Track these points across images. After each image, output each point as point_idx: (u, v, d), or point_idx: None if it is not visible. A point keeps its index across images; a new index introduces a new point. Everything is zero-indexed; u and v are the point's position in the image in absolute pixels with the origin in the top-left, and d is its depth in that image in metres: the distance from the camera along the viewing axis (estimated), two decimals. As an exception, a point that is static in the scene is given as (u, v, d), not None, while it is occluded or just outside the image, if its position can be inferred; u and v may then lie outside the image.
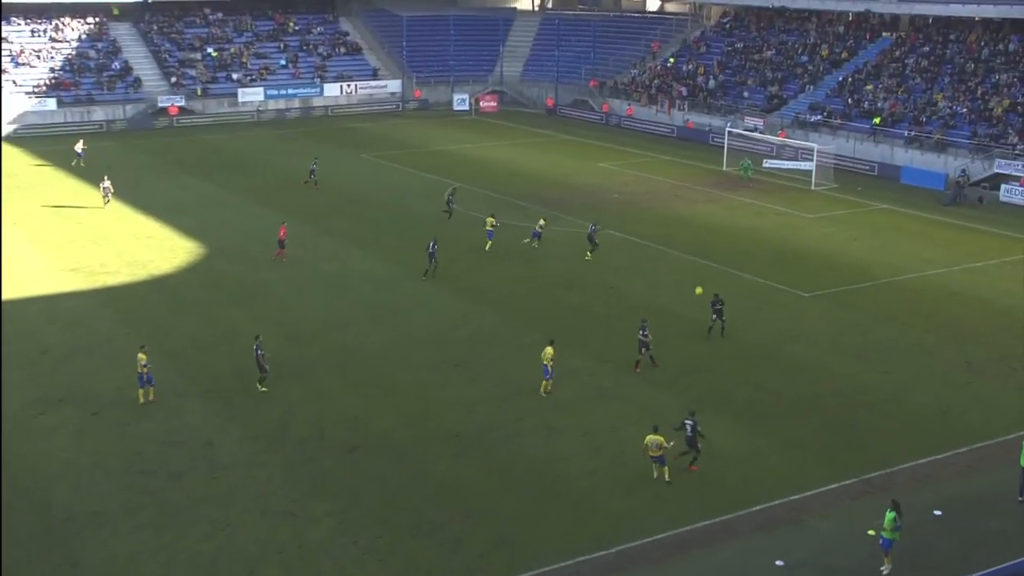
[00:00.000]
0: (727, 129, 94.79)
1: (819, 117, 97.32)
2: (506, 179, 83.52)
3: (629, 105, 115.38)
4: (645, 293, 55.58)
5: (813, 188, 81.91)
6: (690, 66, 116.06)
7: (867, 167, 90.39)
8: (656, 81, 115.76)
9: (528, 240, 63.07)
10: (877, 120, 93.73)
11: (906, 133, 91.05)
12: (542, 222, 63.99)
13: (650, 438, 36.89)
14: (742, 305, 53.28)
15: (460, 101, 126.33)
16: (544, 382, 43.32)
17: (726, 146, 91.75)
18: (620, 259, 61.32)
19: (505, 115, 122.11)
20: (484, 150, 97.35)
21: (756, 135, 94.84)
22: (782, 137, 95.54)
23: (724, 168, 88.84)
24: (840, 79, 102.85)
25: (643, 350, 45.84)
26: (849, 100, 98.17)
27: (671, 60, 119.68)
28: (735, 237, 66.73)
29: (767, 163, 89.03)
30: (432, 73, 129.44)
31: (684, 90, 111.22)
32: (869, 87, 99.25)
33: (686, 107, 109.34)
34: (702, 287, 51.88)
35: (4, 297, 54.49)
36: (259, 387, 43.79)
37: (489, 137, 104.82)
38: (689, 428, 37.48)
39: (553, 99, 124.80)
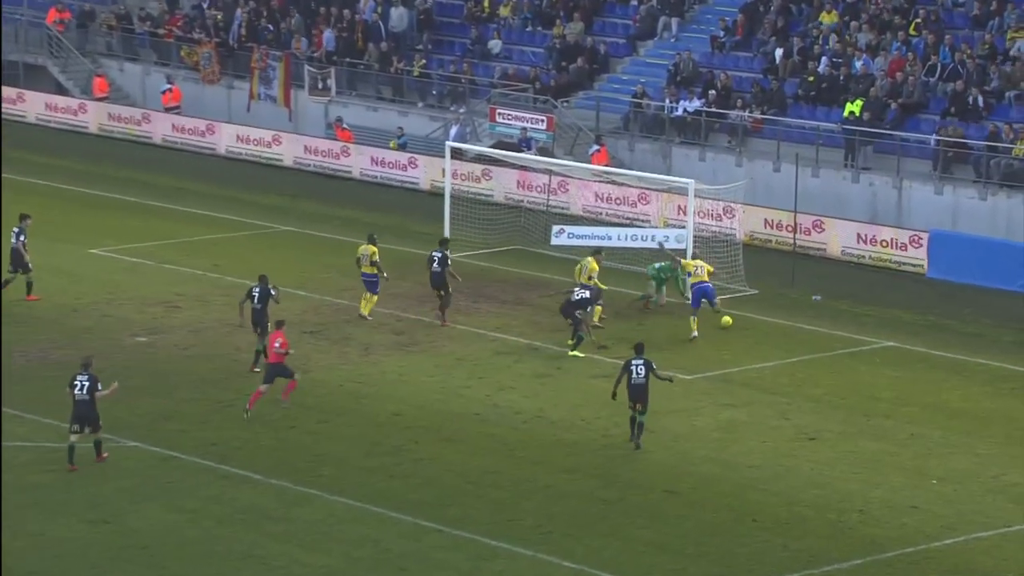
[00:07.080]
0: (448, 143, 55.30)
1: (697, 104, 57.38)
2: None
3: (169, 82, 63.83)
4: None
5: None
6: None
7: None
8: (246, 12, 63.82)
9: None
10: (856, 107, 53.40)
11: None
12: None
13: None
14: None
15: None
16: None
17: (448, 187, 51.88)
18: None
19: None
20: None
21: (523, 157, 55.50)
22: (599, 162, 56.66)
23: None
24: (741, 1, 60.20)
25: None
26: (785, 61, 56.63)
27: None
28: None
29: (557, 236, 47.77)
30: None
31: (327, 34, 62.00)
32: (827, 18, 56.17)
33: (331, 84, 61.55)
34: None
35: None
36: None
37: None
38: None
39: None
